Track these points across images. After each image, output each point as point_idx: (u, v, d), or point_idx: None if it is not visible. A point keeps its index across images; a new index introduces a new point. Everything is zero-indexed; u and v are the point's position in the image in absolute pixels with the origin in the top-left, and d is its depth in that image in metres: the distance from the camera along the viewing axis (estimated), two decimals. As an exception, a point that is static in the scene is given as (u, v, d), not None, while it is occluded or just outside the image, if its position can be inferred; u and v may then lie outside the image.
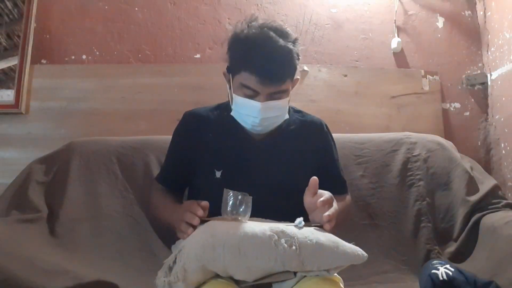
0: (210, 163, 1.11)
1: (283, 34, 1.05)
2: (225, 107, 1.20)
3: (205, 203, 0.94)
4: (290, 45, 1.04)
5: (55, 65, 1.79)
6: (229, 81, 1.12)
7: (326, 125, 1.27)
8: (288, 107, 1.14)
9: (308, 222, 0.96)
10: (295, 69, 1.09)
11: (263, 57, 1.01)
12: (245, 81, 1.04)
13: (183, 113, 1.24)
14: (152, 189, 1.28)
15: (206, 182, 1.11)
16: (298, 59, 1.09)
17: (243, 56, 1.05)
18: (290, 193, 1.08)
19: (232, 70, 1.09)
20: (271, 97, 1.05)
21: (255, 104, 1.04)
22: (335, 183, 1.24)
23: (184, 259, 0.81)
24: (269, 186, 1.08)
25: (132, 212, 1.42)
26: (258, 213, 0.93)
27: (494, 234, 1.29)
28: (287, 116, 1.15)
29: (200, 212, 0.91)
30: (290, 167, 1.14)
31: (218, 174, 1.09)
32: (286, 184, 1.10)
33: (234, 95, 1.09)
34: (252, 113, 1.06)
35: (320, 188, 1.23)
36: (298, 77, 1.16)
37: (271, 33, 1.03)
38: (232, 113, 1.12)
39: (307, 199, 0.99)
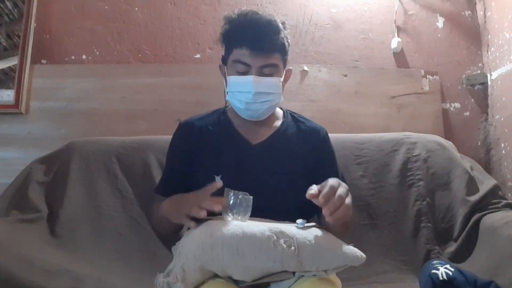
0: (209, 168, 1.10)
1: (270, 15, 1.13)
2: (222, 112, 1.21)
3: (218, 184, 0.94)
4: (278, 23, 1.11)
5: (55, 65, 1.79)
6: (224, 74, 1.15)
7: (326, 133, 1.24)
8: (281, 91, 1.13)
9: (309, 222, 0.96)
10: (283, 45, 1.12)
11: (251, 30, 1.08)
12: (236, 57, 1.09)
13: (183, 113, 1.24)
14: (153, 201, 1.23)
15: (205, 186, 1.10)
16: (288, 42, 1.13)
17: (234, 34, 1.11)
18: (288, 195, 1.07)
19: (226, 55, 1.14)
20: (262, 72, 1.09)
21: (247, 78, 1.08)
22: None
23: (183, 260, 0.81)
24: (268, 189, 1.07)
25: (132, 212, 1.42)
26: (257, 215, 0.93)
27: (494, 234, 1.29)
28: (282, 99, 1.15)
29: (218, 207, 0.88)
30: (288, 169, 1.13)
31: (217, 179, 1.09)
32: (284, 187, 1.10)
33: (228, 77, 1.12)
34: (245, 88, 1.08)
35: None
36: (290, 67, 1.20)
37: (260, 12, 1.12)
38: (227, 98, 1.15)
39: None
